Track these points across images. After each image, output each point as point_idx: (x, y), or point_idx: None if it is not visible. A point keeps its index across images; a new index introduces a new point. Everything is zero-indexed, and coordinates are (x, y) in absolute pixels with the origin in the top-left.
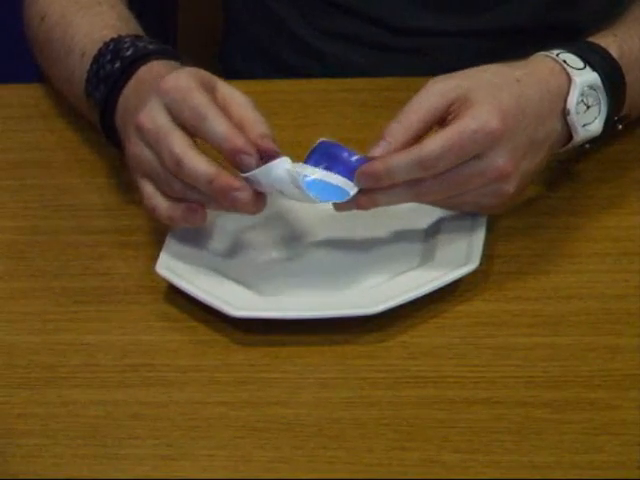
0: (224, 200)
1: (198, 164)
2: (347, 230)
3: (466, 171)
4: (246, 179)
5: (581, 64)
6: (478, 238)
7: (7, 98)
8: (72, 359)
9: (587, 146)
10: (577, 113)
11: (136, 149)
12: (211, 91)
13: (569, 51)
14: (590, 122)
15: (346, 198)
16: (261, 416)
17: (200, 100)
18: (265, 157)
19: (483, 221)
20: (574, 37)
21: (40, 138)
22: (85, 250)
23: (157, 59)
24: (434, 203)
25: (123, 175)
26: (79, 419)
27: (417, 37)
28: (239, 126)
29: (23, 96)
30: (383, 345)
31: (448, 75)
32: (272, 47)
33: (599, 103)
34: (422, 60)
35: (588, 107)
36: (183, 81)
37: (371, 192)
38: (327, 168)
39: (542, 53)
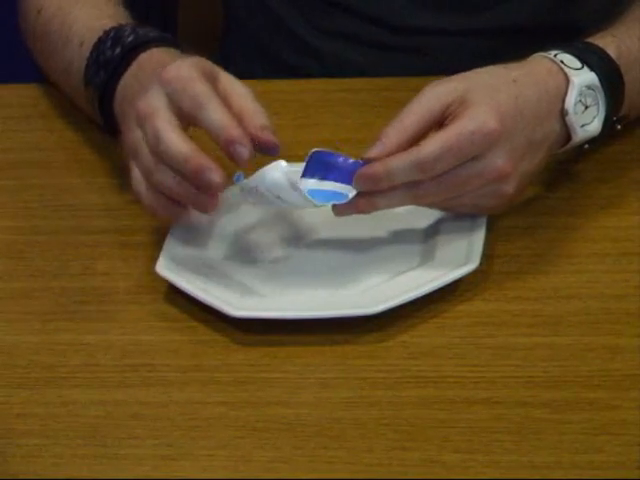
0: (197, 181)
1: (176, 142)
2: (347, 230)
3: (464, 172)
4: (241, 190)
5: (579, 64)
6: (478, 238)
7: (7, 98)
8: (72, 359)
9: (586, 146)
10: (575, 113)
11: (131, 134)
12: (212, 81)
13: (567, 51)
14: (589, 122)
15: (345, 200)
16: (261, 416)
17: (200, 89)
18: (264, 149)
19: (483, 221)
20: (574, 37)
21: (40, 138)
22: (85, 250)
23: (158, 46)
24: (433, 206)
25: (123, 175)
26: (79, 419)
27: (416, 36)
28: (239, 117)
29: (23, 96)
30: (383, 345)
31: (446, 78)
32: (271, 46)
33: (597, 103)
34: (421, 59)
35: (586, 107)
36: (185, 71)
37: (370, 195)
38: (323, 178)
39: (540, 54)
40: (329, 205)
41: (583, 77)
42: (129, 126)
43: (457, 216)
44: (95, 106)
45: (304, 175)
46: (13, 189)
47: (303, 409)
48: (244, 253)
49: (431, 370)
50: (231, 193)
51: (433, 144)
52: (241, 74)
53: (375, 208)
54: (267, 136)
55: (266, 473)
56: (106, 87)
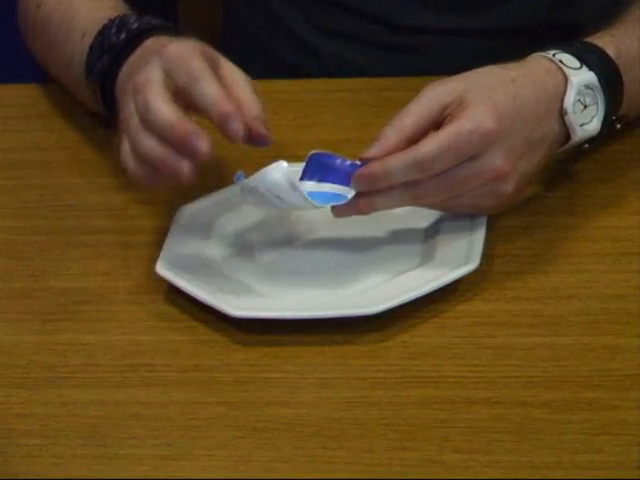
0: (184, 147)
1: (164, 109)
2: (347, 230)
3: (463, 172)
4: (242, 189)
5: (577, 64)
6: (478, 238)
7: (7, 98)
8: (72, 359)
9: (586, 146)
10: (574, 113)
11: (125, 109)
12: (213, 66)
13: (565, 51)
14: (588, 122)
15: (344, 201)
16: (261, 416)
17: (197, 65)
18: (255, 140)
19: (483, 221)
20: (573, 37)
21: (40, 138)
22: (85, 250)
23: (162, 34)
24: (432, 206)
25: (124, 175)
26: (79, 419)
27: (416, 35)
28: (235, 105)
29: (23, 96)
30: (383, 345)
31: (444, 79)
32: (271, 45)
33: (596, 103)
34: (421, 59)
35: (585, 107)
36: (185, 48)
37: (369, 196)
38: (321, 179)
39: (538, 53)
40: (329, 206)
41: (582, 76)
42: (126, 102)
43: (457, 216)
44: (97, 91)
45: (303, 178)
46: (13, 189)
47: (303, 409)
48: (244, 253)
49: (431, 370)
50: (231, 193)
51: (431, 144)
52: None
53: (374, 209)
54: (257, 126)
55: (266, 473)
56: (109, 72)
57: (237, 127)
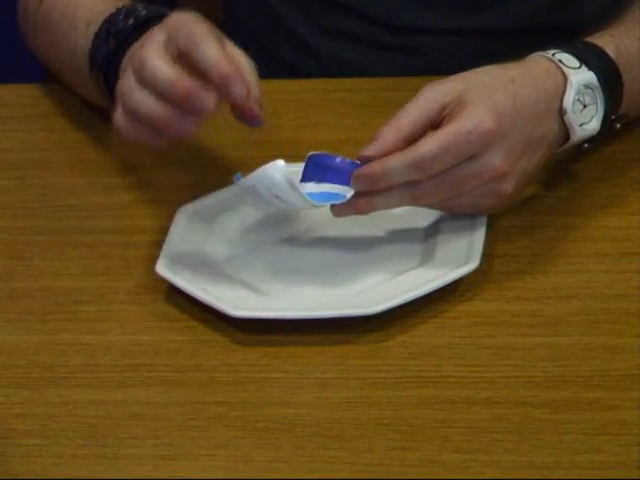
0: (186, 105)
1: (160, 65)
2: (347, 230)
3: (462, 172)
4: (241, 190)
5: (577, 63)
6: (478, 238)
7: (7, 98)
8: (72, 359)
9: (585, 146)
10: (574, 112)
11: (125, 79)
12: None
13: (565, 51)
14: (587, 121)
15: (343, 200)
16: (261, 416)
17: (199, 29)
18: (248, 119)
19: (483, 221)
20: (574, 38)
21: (40, 138)
22: (85, 250)
23: None
24: (432, 206)
25: (124, 175)
26: (79, 419)
27: (416, 36)
28: None
29: (23, 96)
30: (383, 345)
31: (443, 79)
32: (271, 45)
33: (596, 102)
34: (421, 59)
35: (585, 106)
36: (188, 16)
37: (368, 195)
38: (321, 180)
39: (538, 53)
40: (328, 205)
41: (581, 76)
42: (125, 74)
43: (457, 216)
44: (100, 80)
45: (302, 179)
46: (13, 189)
47: (303, 409)
48: (244, 253)
49: (431, 370)
50: (231, 193)
51: (430, 143)
52: None
53: (373, 208)
54: (252, 104)
55: (266, 473)
56: (114, 56)
57: (239, 89)
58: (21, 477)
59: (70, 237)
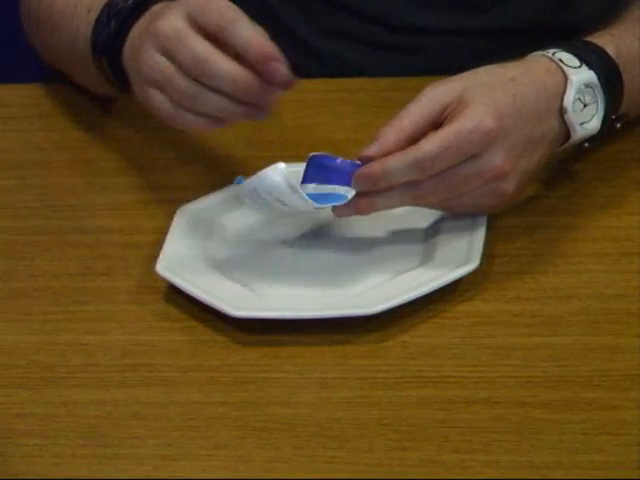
0: (249, 98)
1: (223, 63)
2: (347, 230)
3: (463, 172)
4: (241, 192)
5: (577, 62)
6: (478, 238)
7: (7, 98)
8: (72, 359)
9: (586, 145)
10: (574, 111)
11: (146, 55)
12: None
13: (565, 50)
14: (587, 120)
15: (344, 201)
16: (261, 416)
17: (226, 4)
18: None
19: (483, 221)
20: (573, 38)
21: (40, 138)
22: (85, 250)
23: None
24: (433, 206)
25: (124, 175)
26: (79, 419)
27: (415, 35)
28: None
29: (24, 96)
30: (383, 345)
31: (444, 79)
32: None
33: (596, 101)
34: (420, 59)
35: (585, 105)
36: None
37: (369, 196)
38: (322, 182)
39: (538, 52)
40: (329, 207)
41: (582, 75)
42: (144, 47)
43: (457, 216)
44: (103, 64)
45: (304, 181)
46: (13, 189)
47: (303, 409)
48: (244, 253)
49: (431, 370)
50: (231, 193)
51: (431, 143)
52: None
53: (375, 209)
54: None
55: (266, 473)
56: (115, 38)
57: (280, 67)
58: (21, 477)
59: (70, 237)
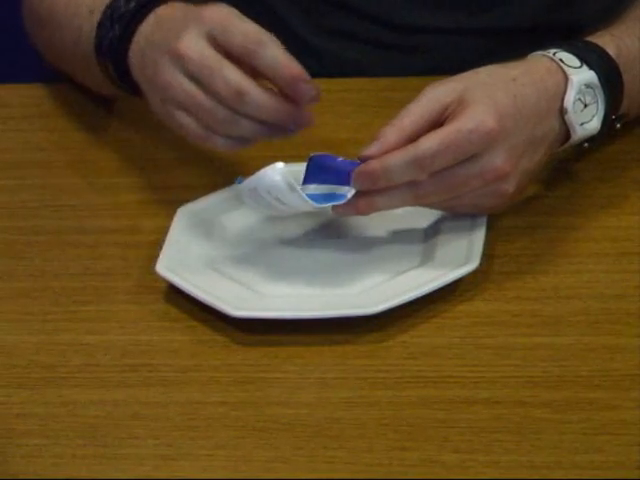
0: (282, 122)
1: (259, 93)
2: (347, 230)
3: (464, 172)
4: (241, 193)
5: (578, 63)
6: (478, 238)
7: (7, 98)
8: (72, 359)
9: (586, 145)
10: (574, 112)
11: (171, 77)
12: None
13: (566, 50)
14: (588, 121)
15: (344, 200)
16: (261, 416)
17: (251, 26)
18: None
19: (483, 221)
20: (573, 37)
21: (40, 138)
22: (85, 250)
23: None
24: (433, 206)
25: (124, 175)
26: (79, 419)
27: (415, 35)
28: None
29: (24, 96)
30: (383, 345)
31: (445, 79)
32: None
33: (596, 101)
34: (420, 58)
35: (585, 105)
36: (226, 9)
37: (369, 195)
38: (322, 182)
39: (538, 52)
40: (328, 207)
41: (582, 75)
42: (164, 69)
43: (457, 216)
44: (109, 67)
45: (305, 182)
46: (13, 189)
47: (303, 409)
48: (244, 253)
49: (431, 370)
50: (231, 193)
51: (431, 141)
52: None
53: (374, 209)
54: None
55: (266, 473)
56: (120, 41)
57: (310, 88)
58: (21, 477)
59: (70, 237)
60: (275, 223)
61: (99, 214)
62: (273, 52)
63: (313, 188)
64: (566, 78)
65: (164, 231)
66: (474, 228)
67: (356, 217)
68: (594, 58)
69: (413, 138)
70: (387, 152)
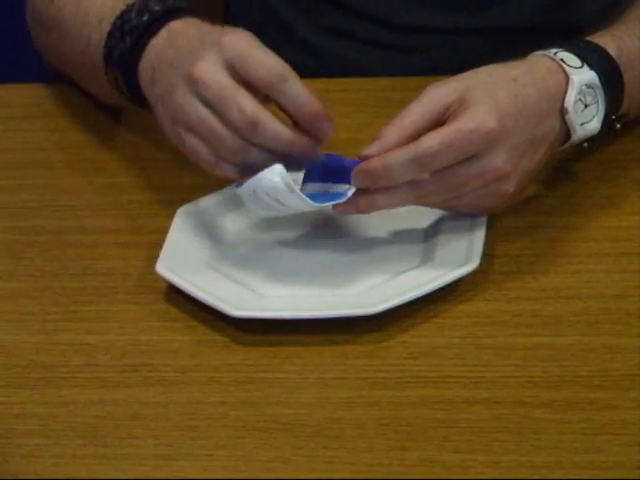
0: (296, 154)
1: (275, 126)
2: (347, 230)
3: (464, 172)
4: (241, 195)
5: (579, 63)
6: (478, 238)
7: (7, 98)
8: (72, 359)
9: (586, 145)
10: (575, 112)
11: (184, 100)
12: None
13: (567, 50)
14: (588, 121)
15: (344, 199)
16: (261, 416)
17: (273, 59)
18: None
19: (483, 221)
20: (573, 37)
21: (41, 138)
22: (85, 250)
23: (189, 15)
24: (433, 205)
25: (124, 175)
26: (79, 419)
27: (414, 35)
28: None
29: (24, 96)
30: (383, 345)
31: (446, 79)
32: (270, 44)
33: (597, 102)
34: (419, 58)
35: (586, 106)
36: (245, 37)
37: (370, 194)
38: (323, 181)
39: (539, 52)
40: (328, 206)
41: (583, 76)
42: (178, 91)
43: (457, 216)
44: (118, 78)
45: (305, 181)
46: (13, 189)
47: (303, 409)
48: (244, 253)
49: (431, 370)
50: (231, 193)
51: (432, 139)
52: None
53: (375, 207)
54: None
55: (266, 473)
56: (131, 54)
57: (329, 127)
58: (21, 477)
59: (70, 237)
60: (275, 223)
61: (99, 214)
62: (296, 89)
63: (313, 187)
64: (567, 78)
65: (164, 231)
66: (474, 228)
67: (356, 217)
68: (595, 58)
69: (414, 138)
70: (387, 152)
